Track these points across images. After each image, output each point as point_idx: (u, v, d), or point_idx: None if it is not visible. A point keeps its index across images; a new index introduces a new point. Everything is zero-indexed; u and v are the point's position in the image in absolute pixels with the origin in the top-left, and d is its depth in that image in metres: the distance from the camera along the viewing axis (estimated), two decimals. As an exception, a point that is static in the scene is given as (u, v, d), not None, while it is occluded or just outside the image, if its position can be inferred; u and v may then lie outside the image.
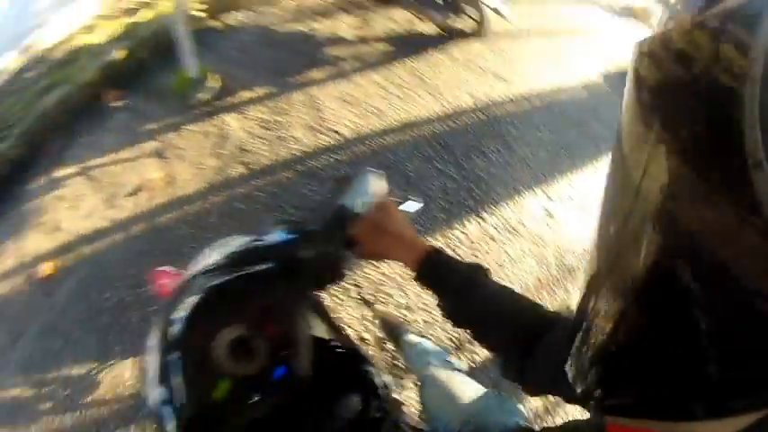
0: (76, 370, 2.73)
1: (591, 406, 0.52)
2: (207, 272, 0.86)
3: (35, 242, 3.44)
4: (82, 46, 4.74)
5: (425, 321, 2.36)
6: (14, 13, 8.21)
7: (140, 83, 4.03)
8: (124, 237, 3.11)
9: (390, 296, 2.46)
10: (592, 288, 0.51)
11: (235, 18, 4.28)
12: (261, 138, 3.16)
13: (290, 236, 0.92)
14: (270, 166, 2.99)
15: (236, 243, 0.94)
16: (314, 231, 0.91)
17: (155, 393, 0.81)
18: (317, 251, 0.88)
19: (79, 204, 3.45)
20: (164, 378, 0.80)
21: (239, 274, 0.85)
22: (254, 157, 3.07)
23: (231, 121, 3.34)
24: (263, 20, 4.20)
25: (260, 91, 3.47)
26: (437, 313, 2.13)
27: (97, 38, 4.70)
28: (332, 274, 0.94)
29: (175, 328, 0.82)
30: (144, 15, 4.57)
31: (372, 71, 3.56)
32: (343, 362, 1.00)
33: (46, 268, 3.23)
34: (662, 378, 0.41)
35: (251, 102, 3.42)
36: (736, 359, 0.35)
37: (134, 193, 3.27)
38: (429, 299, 2.38)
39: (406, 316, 2.41)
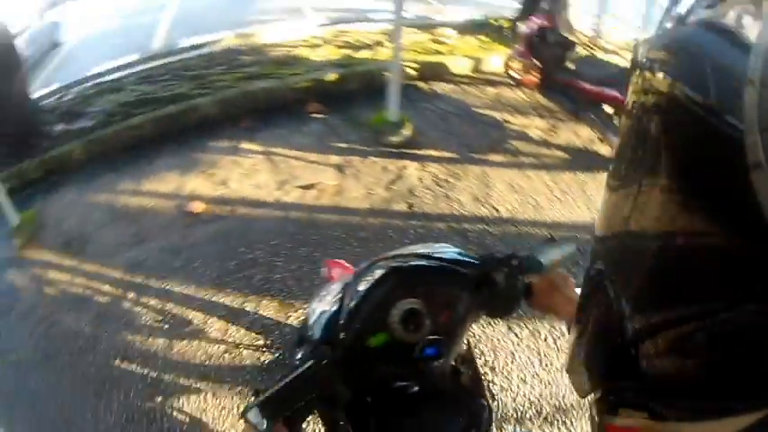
0: (179, 294, 3.37)
1: (591, 405, 0.59)
2: (401, 256, 1.10)
3: (197, 184, 4.37)
4: (300, 56, 5.96)
5: (501, 386, 2.72)
6: (240, 2, 10.07)
7: (343, 108, 5.09)
8: (282, 215, 3.88)
9: (482, 354, 2.89)
10: (588, 294, 0.63)
11: (441, 87, 5.35)
12: (430, 189, 3.92)
13: (486, 260, 1.12)
14: (430, 214, 3.70)
15: (439, 246, 1.18)
16: (512, 263, 1.09)
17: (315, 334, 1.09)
18: (507, 280, 1.06)
19: (253, 175, 4.36)
20: (331, 324, 1.05)
21: (443, 265, 1.07)
22: (419, 201, 3.81)
23: (410, 167, 4.17)
24: (464, 97, 5.20)
25: (443, 153, 4.31)
26: (515, 382, 2.61)
27: (316, 55, 5.92)
28: (503, 306, 1.11)
29: (358, 292, 1.04)
30: (363, 54, 5.74)
31: (544, 171, 4.25)
32: (465, 387, 1.22)
33: (198, 206, 4.09)
34: (661, 378, 0.46)
35: (433, 159, 4.25)
36: (736, 360, 0.39)
37: (305, 187, 4.10)
38: (513, 367, 2.80)
39: (486, 375, 2.78)
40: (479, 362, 2.85)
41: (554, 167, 4.32)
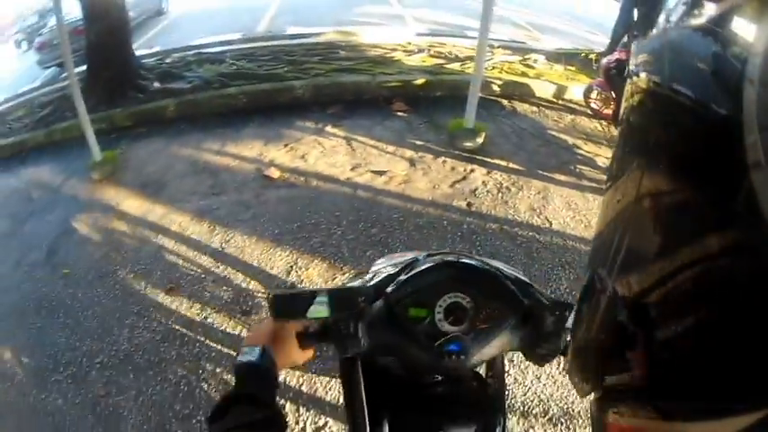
0: (240, 241, 3.98)
1: (591, 405, 0.63)
2: (478, 258, 1.17)
3: (278, 155, 5.12)
4: (394, 58, 6.67)
5: (515, 378, 2.94)
6: (346, 4, 11.02)
7: (425, 110, 5.78)
8: (350, 192, 4.51)
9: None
10: (586, 296, 0.68)
11: (522, 107, 5.93)
12: (491, 193, 4.43)
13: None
14: (486, 215, 4.19)
15: (512, 268, 1.24)
16: (564, 311, 1.09)
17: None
18: (555, 325, 1.08)
19: (330, 155, 5.07)
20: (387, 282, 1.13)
21: (507, 283, 1.11)
22: (478, 202, 4.33)
23: (477, 171, 4.72)
24: (541, 119, 5.73)
25: (510, 164, 4.83)
26: (530, 378, 3.17)
27: (409, 60, 6.62)
28: (541, 350, 1.11)
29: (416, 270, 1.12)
30: (454, 66, 6.39)
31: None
32: (489, 398, 1.29)
33: (274, 171, 4.84)
34: (661, 377, 0.50)
35: (499, 168, 4.78)
36: (735, 360, 0.40)
37: (376, 173, 4.73)
38: (529, 393, 2.92)
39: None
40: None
41: (614, 194, 4.66)
